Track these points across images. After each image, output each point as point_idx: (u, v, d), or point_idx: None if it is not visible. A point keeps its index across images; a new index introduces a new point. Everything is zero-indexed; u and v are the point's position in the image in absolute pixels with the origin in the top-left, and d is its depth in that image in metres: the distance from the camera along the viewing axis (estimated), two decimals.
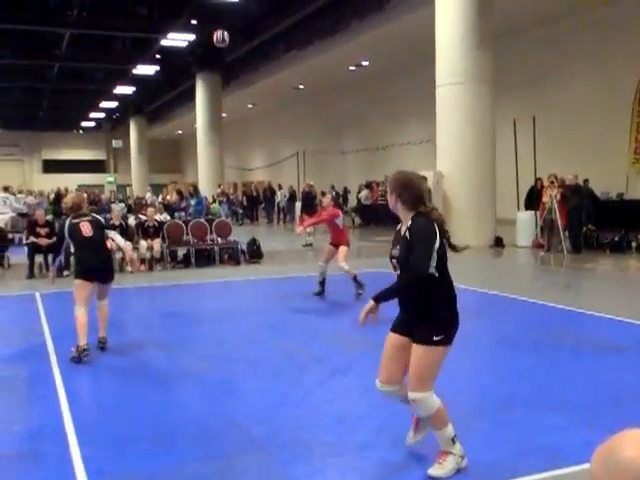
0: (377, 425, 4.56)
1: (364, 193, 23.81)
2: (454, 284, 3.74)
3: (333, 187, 27.47)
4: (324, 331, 7.56)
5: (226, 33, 16.56)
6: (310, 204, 21.92)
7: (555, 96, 20.51)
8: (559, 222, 14.23)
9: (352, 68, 24.75)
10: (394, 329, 3.82)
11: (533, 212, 15.64)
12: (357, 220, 23.84)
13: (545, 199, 14.75)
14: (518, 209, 16.60)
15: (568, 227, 14.36)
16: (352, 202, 26.67)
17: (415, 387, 3.64)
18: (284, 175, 31.49)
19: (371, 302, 3.65)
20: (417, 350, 3.61)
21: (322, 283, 9.58)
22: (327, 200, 9.87)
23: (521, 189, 16.81)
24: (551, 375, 5.63)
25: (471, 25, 15.18)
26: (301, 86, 28.61)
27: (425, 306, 3.64)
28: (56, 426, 4.67)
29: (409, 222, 3.66)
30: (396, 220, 3.93)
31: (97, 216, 7.14)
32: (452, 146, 15.71)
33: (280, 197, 27.45)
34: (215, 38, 16.64)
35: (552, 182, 14.54)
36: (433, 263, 3.56)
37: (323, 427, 4.46)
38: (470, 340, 7.18)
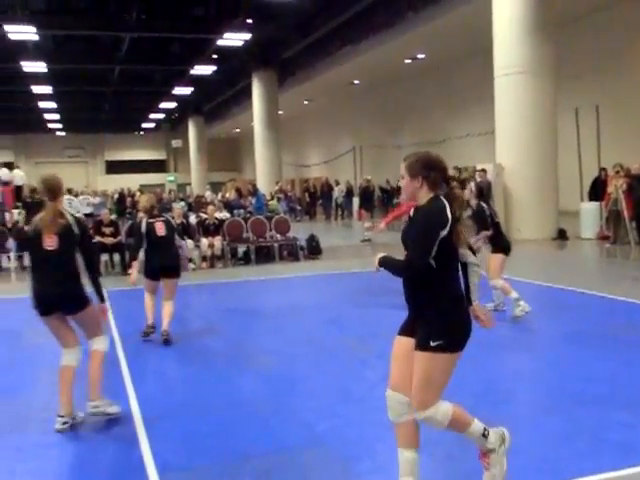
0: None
1: None
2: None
3: (388, 182, 27.33)
4: (385, 326, 7.53)
5: None
6: (368, 199, 21.86)
7: (619, 83, 19.87)
8: (625, 213, 13.80)
9: (408, 61, 24.54)
10: (400, 330, 3.38)
11: (598, 203, 15.21)
12: None
13: (610, 189, 14.32)
14: (582, 200, 16.17)
15: (635, 218, 13.91)
16: None
17: (419, 403, 3.21)
18: (341, 171, 31.50)
19: (378, 256, 3.30)
20: (416, 357, 3.21)
21: None
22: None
23: (584, 180, 16.36)
24: (621, 371, 5.47)
25: (530, 12, 14.85)
26: (356, 81, 28.54)
27: (424, 305, 3.22)
28: (124, 419, 4.79)
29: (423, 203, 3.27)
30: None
31: (168, 217, 7.53)
32: (512, 138, 15.41)
33: (337, 193, 27.47)
34: None
35: (617, 172, 14.12)
36: (432, 253, 3.13)
37: (387, 423, 4.44)
38: (537, 336, 7.05)
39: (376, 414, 4.69)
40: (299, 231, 16.03)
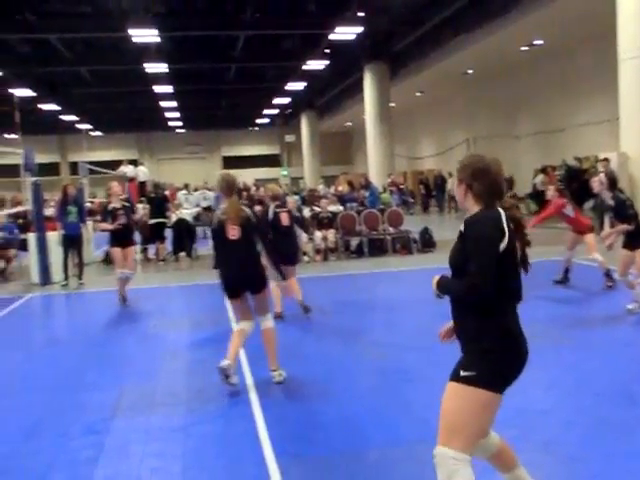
0: (562, 420, 4.38)
1: (539, 178, 22.79)
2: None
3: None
4: None
5: None
6: None
7: None
8: None
9: (524, 48, 23.71)
10: None
11: None
12: (532, 206, 22.91)
13: None
14: None
15: None
16: (522, 188, 25.71)
17: (440, 437, 2.79)
18: (454, 163, 30.98)
19: (435, 279, 2.94)
20: (446, 387, 2.83)
21: (567, 271, 9.23)
22: (551, 192, 9.33)
23: None
24: None
25: None
26: (470, 71, 27.89)
27: (471, 336, 2.81)
28: (244, 407, 4.96)
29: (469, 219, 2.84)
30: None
31: (291, 207, 7.94)
32: (639, 125, 14.56)
33: (451, 185, 27.02)
34: None
35: None
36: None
37: (503, 421, 4.32)
38: None
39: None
40: (412, 224, 15.91)
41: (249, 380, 5.62)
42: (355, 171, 41.28)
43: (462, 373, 2.73)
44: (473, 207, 2.86)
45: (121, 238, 9.46)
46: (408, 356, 6.15)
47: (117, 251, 9.48)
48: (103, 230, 9.97)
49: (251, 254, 5.38)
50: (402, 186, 27.84)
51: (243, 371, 5.89)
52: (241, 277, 5.37)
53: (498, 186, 2.85)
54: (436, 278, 2.92)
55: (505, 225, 2.73)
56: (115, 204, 9.51)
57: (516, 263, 2.81)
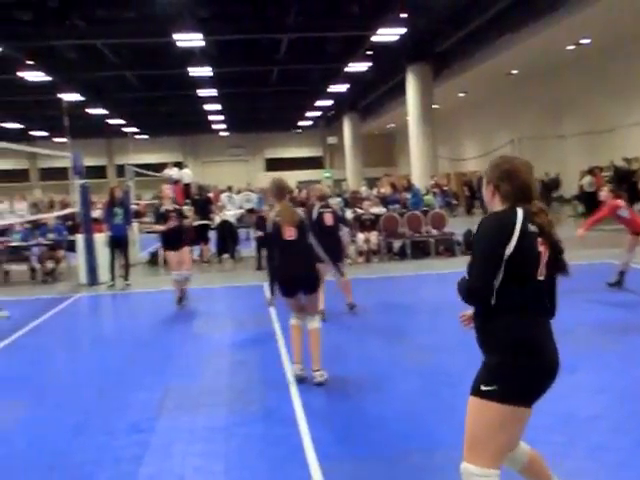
0: (611, 426, 4.28)
1: (587, 180, 22.32)
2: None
3: (547, 174, 26.17)
4: None
5: None
6: None
7: None
8: None
9: (570, 47, 23.29)
10: None
11: None
12: (580, 208, 22.47)
13: None
14: None
15: None
16: (568, 190, 25.24)
17: (465, 453, 2.70)
18: None
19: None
20: (468, 401, 2.72)
21: (622, 273, 8.97)
22: (604, 193, 9.10)
23: None
24: None
25: None
26: (514, 71, 27.52)
27: (489, 346, 2.68)
28: (287, 408, 4.98)
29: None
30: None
31: (335, 208, 8.04)
32: None
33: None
34: None
35: None
36: (495, 277, 2.59)
37: (548, 426, 4.26)
38: None
39: (537, 416, 4.51)
40: (455, 226, 15.76)
41: (292, 381, 5.63)
42: (398, 173, 41.12)
43: (482, 387, 2.62)
44: (498, 208, 2.76)
45: (173, 241, 9.60)
46: (450, 359, 6.09)
47: (171, 254, 9.62)
48: (155, 232, 10.13)
49: (307, 254, 5.61)
50: (445, 188, 27.62)
51: (285, 372, 5.91)
52: (298, 277, 5.55)
53: (526, 189, 2.71)
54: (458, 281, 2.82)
55: (518, 228, 2.58)
56: (167, 206, 9.66)
57: (533, 271, 2.61)
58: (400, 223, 14.43)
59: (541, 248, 2.63)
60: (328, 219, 8.03)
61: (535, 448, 3.00)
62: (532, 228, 2.62)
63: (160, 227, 9.64)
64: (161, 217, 9.61)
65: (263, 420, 4.82)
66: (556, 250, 2.69)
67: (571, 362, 5.69)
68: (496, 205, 2.76)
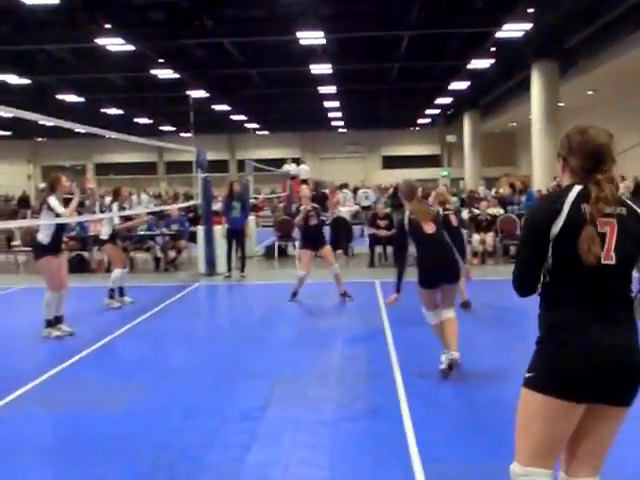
0: None
1: None
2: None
3: None
4: None
5: None
6: None
7: None
8: None
9: None
10: None
11: None
12: None
13: None
14: None
15: None
16: None
17: (515, 452, 2.53)
18: (627, 166, 29.01)
19: None
20: None
21: None
22: None
23: None
24: None
25: None
26: None
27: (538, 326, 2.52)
28: (393, 407, 4.97)
29: None
30: None
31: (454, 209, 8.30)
32: None
33: (623, 189, 25.34)
34: None
35: None
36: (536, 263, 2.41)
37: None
38: None
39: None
40: None
41: (399, 380, 5.62)
42: (518, 173, 39.95)
43: (526, 374, 2.47)
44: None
45: (313, 240, 9.74)
46: None
47: (306, 253, 9.73)
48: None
49: (448, 245, 5.82)
50: None
51: (394, 371, 5.90)
52: (442, 266, 5.70)
53: (597, 160, 2.40)
54: None
55: (569, 203, 2.34)
56: (306, 205, 9.87)
57: (589, 256, 2.30)
58: (518, 225, 13.99)
59: (606, 228, 2.34)
60: (454, 220, 8.13)
61: None
62: (581, 204, 2.35)
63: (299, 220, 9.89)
64: (300, 215, 9.84)
65: (369, 417, 4.84)
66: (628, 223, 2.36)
67: None
68: (565, 181, 2.51)
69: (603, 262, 2.32)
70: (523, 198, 18.81)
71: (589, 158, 2.42)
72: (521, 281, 2.52)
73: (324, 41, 19.96)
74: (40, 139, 46.14)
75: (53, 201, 7.39)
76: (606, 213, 2.33)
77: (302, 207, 9.92)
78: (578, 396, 2.35)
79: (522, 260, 2.51)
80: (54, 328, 7.65)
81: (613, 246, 2.33)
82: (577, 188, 2.39)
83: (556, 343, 2.38)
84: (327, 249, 9.84)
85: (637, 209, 2.42)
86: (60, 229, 7.71)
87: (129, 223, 10.30)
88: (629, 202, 2.43)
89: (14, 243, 14.53)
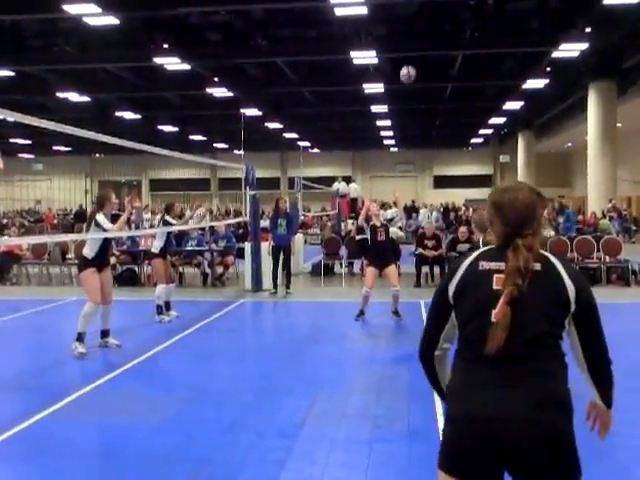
0: None
1: None
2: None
3: None
4: None
5: (412, 69, 17.01)
6: None
7: None
8: None
9: None
10: None
11: None
12: None
13: None
14: None
15: None
16: None
17: None
18: None
19: None
20: None
21: None
22: None
23: None
24: None
25: None
26: None
27: None
28: (430, 431, 4.90)
29: None
30: None
31: None
32: None
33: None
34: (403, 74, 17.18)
35: None
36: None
37: None
38: None
39: None
40: (633, 253, 14.70)
41: (438, 402, 5.54)
42: (573, 195, 39.21)
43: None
44: None
45: (379, 257, 9.61)
46: (624, 396, 5.68)
47: (372, 271, 9.58)
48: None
49: None
50: (624, 212, 25.90)
51: (433, 393, 5.82)
52: None
53: (515, 225, 2.20)
54: None
55: (464, 266, 2.22)
56: (375, 222, 9.88)
57: (478, 311, 2.16)
58: (569, 247, 13.72)
59: (499, 286, 2.13)
60: None
61: None
62: (491, 265, 2.19)
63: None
64: (370, 231, 9.72)
65: (407, 438, 4.79)
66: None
67: None
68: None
69: (492, 320, 2.14)
70: (561, 219, 18.30)
71: (508, 225, 2.24)
72: (422, 343, 2.46)
73: (377, 60, 20.04)
74: (98, 155, 47.46)
75: (100, 217, 7.59)
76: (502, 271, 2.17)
77: (371, 223, 9.87)
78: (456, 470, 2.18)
79: (426, 323, 2.45)
80: (81, 344, 7.50)
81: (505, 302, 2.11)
82: (481, 250, 2.29)
83: (446, 410, 2.30)
84: (392, 268, 9.70)
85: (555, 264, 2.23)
86: (106, 245, 7.87)
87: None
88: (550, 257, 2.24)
89: (68, 256, 14.94)
